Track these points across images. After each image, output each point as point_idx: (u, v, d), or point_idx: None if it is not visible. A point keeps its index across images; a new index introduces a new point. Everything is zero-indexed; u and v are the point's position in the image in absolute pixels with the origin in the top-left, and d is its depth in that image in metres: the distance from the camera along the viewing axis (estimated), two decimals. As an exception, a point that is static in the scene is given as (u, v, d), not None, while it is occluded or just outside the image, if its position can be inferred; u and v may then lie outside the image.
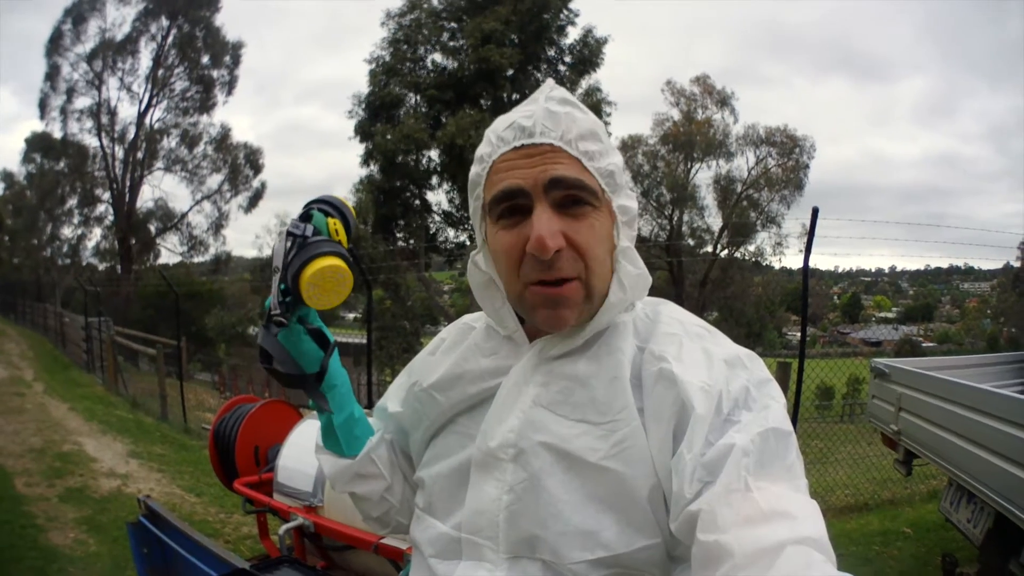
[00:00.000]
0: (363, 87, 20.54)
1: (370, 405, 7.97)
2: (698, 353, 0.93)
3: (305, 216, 1.09)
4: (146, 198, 31.28)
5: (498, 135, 0.99)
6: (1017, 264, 29.84)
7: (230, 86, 31.22)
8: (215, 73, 30.89)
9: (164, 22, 29.39)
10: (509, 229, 0.96)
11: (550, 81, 1.05)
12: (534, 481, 0.95)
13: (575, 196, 0.94)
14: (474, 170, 1.04)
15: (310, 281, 1.00)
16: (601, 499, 0.91)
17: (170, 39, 29.73)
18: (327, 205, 1.13)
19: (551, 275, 0.93)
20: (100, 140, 29.83)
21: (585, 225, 0.95)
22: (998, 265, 33.35)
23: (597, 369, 0.98)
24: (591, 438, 0.94)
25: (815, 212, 5.29)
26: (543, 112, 0.97)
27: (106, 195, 30.61)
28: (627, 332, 1.01)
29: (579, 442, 0.94)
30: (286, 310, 1.04)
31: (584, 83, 20.96)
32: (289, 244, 1.04)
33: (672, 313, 1.04)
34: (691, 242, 28.32)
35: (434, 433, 1.13)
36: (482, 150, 1.02)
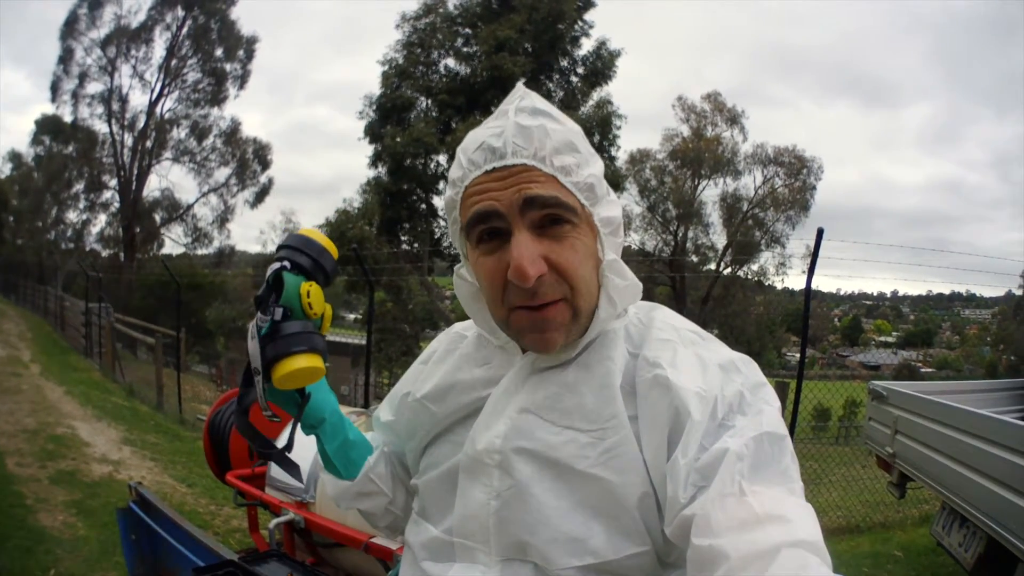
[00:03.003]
0: (376, 90, 20.59)
1: (366, 405, 7.97)
2: (692, 359, 0.93)
3: (276, 280, 1.03)
4: (153, 187, 31.16)
5: (468, 158, 0.96)
6: (1019, 292, 29.78)
7: (242, 80, 31.13)
8: (228, 66, 30.79)
9: (180, 12, 29.35)
10: (489, 255, 0.95)
11: (519, 87, 1.02)
12: (521, 487, 0.95)
13: (553, 215, 0.92)
14: (448, 193, 1.02)
15: (280, 380, 1.00)
16: (590, 506, 0.92)
17: (185, 29, 29.74)
18: (301, 255, 1.06)
19: (535, 301, 0.92)
20: (110, 126, 29.77)
21: (567, 246, 0.93)
22: (1000, 293, 33.31)
23: (587, 376, 0.98)
24: (578, 445, 0.94)
25: (820, 233, 5.29)
26: (513, 128, 0.94)
27: (113, 182, 30.54)
28: (618, 339, 1.01)
29: (566, 449, 0.94)
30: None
31: (596, 95, 20.99)
32: (259, 343, 1.01)
33: (666, 318, 1.04)
34: (695, 259, 28.32)
35: (429, 442, 1.13)
36: (454, 173, 0.99)
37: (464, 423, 1.07)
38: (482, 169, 0.94)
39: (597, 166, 0.99)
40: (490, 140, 0.94)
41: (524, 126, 0.94)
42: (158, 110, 30.23)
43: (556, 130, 0.95)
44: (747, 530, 0.73)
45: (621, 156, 22.97)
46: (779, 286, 29.13)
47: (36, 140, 31.32)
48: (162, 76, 29.76)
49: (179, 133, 30.90)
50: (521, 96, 0.99)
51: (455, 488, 1.03)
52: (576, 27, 20.49)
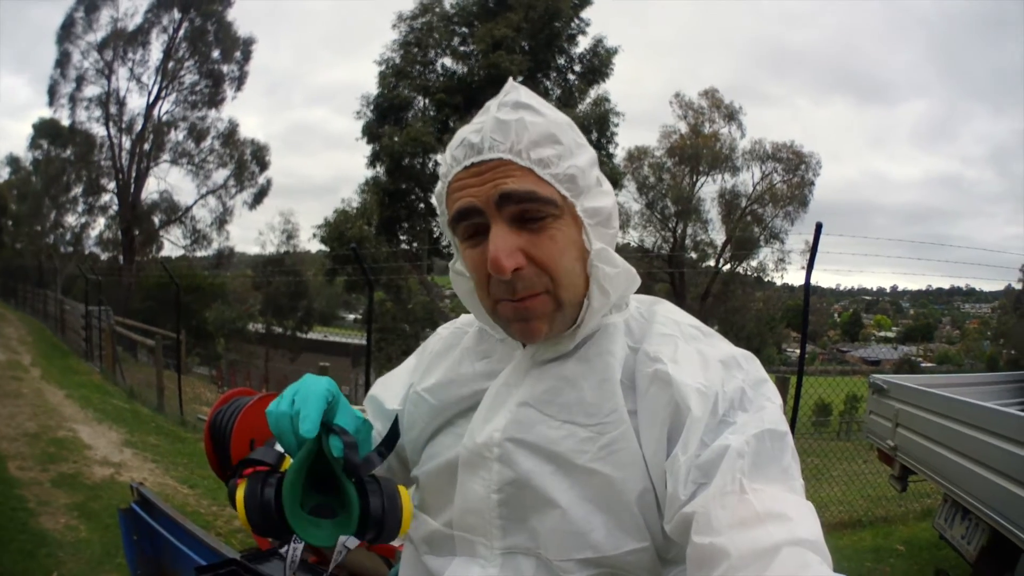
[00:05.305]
0: (373, 90, 20.59)
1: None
2: (694, 354, 0.93)
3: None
4: (151, 190, 31.05)
5: (452, 154, 0.97)
6: (1018, 286, 29.83)
7: (239, 82, 31.02)
8: (225, 68, 30.69)
9: (176, 14, 29.27)
10: (474, 248, 0.95)
11: (510, 82, 1.01)
12: (523, 480, 0.95)
13: (529, 209, 0.92)
14: (438, 186, 1.01)
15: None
16: (590, 500, 0.91)
17: (181, 32, 29.64)
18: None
19: (515, 296, 0.92)
20: (108, 129, 29.62)
21: (545, 237, 0.92)
22: (999, 287, 33.40)
23: (586, 370, 0.98)
24: (578, 440, 0.93)
25: (819, 227, 5.28)
26: (492, 124, 0.94)
27: (111, 185, 30.45)
28: (618, 333, 1.00)
29: (566, 444, 0.94)
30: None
31: (593, 92, 21.00)
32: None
33: (667, 313, 1.03)
34: (694, 255, 28.35)
35: (431, 435, 1.12)
36: (441, 168, 1.00)
37: (465, 415, 1.06)
38: (461, 165, 0.94)
39: (583, 157, 0.97)
40: (470, 136, 0.95)
41: (502, 120, 0.93)
42: (156, 112, 30.16)
43: (535, 123, 0.94)
44: (748, 528, 0.73)
45: (619, 153, 22.99)
46: (778, 282, 29.22)
47: (34, 144, 31.21)
48: (159, 78, 29.67)
49: (177, 135, 30.81)
50: (507, 91, 0.99)
51: (454, 481, 1.02)
52: (573, 25, 20.51)
